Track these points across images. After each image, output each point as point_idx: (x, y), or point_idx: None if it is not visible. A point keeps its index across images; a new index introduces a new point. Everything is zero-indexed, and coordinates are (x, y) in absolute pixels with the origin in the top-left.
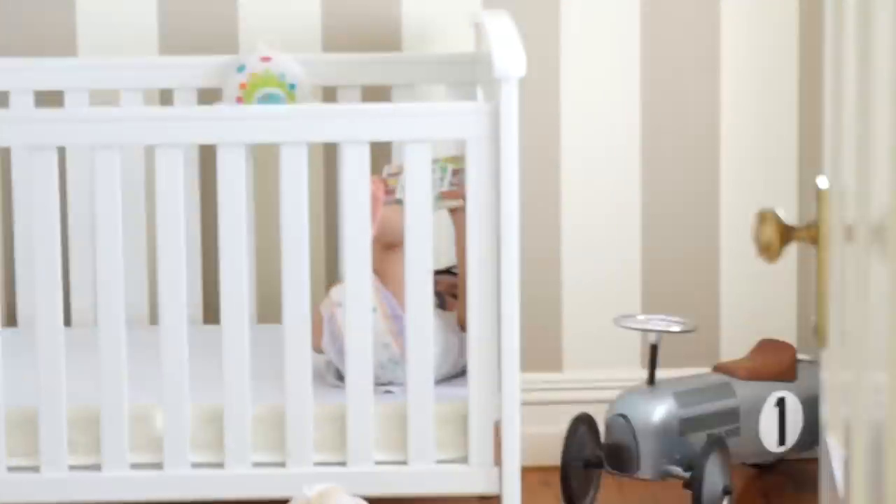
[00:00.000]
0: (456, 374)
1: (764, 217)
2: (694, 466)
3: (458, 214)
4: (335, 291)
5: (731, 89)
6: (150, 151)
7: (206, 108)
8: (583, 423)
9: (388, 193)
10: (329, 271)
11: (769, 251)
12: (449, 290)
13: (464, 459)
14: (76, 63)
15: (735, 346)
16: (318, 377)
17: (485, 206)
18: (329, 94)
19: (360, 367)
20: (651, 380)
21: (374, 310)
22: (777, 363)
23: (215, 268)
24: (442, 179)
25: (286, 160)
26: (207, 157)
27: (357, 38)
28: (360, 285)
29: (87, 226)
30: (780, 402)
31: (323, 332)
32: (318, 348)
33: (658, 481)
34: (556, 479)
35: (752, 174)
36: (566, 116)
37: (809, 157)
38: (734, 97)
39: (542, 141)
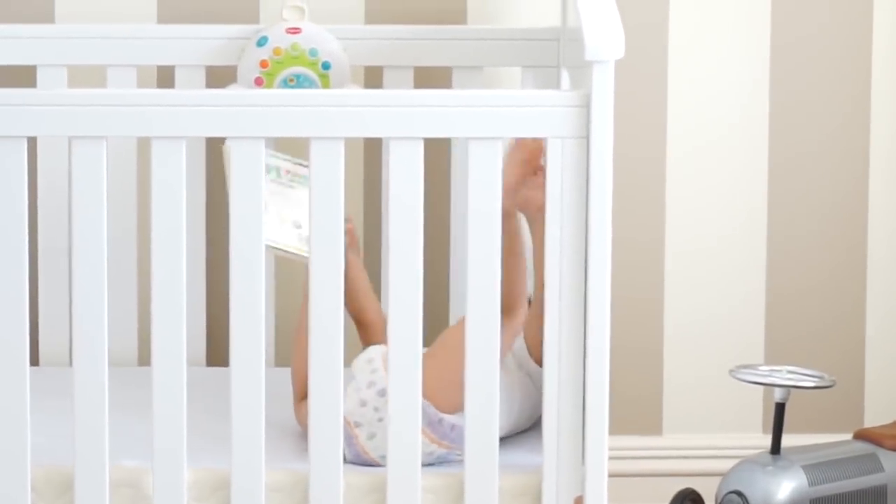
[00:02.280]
0: (524, 427)
1: None
2: None
3: (537, 221)
4: (352, 397)
5: (886, 78)
6: (144, 143)
7: (216, 93)
8: (687, 502)
9: None
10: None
11: None
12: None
13: None
14: (52, 31)
15: (883, 408)
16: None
17: (569, 223)
18: (373, 77)
19: (402, 426)
20: (775, 448)
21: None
22: None
23: (224, 294)
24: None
25: (317, 159)
26: (218, 149)
27: (409, 7)
28: (409, 351)
29: (60, 236)
30: None
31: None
32: None
33: None
34: None
35: None
36: (674, 111)
37: None
38: (890, 90)
39: (644, 142)
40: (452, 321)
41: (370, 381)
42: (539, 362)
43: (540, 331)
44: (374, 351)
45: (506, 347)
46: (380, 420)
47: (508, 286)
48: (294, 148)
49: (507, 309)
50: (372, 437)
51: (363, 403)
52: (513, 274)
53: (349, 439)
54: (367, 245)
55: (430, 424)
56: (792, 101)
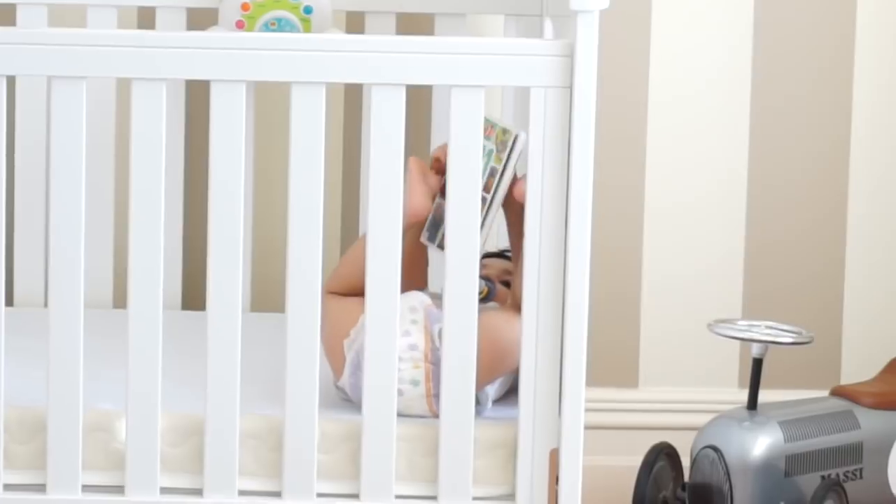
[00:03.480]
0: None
1: None
2: None
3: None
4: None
5: (868, 29)
6: (123, 84)
7: (197, 35)
8: (662, 456)
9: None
10: (345, 248)
11: None
12: (501, 275)
13: (510, 497)
14: None
15: (860, 365)
16: (327, 385)
17: (550, 175)
18: (355, 23)
19: (380, 372)
20: (752, 404)
21: (416, 383)
22: None
23: (202, 238)
24: (500, 157)
25: (298, 104)
26: (197, 93)
27: None
28: (387, 278)
29: (38, 178)
30: None
31: (344, 368)
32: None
33: None
34: None
35: (891, 146)
36: (657, 61)
37: None
38: (872, 40)
39: (626, 93)
40: (431, 264)
41: (405, 330)
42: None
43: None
44: (416, 299)
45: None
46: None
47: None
48: (275, 92)
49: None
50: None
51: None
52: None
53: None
54: (345, 191)
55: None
56: (775, 51)
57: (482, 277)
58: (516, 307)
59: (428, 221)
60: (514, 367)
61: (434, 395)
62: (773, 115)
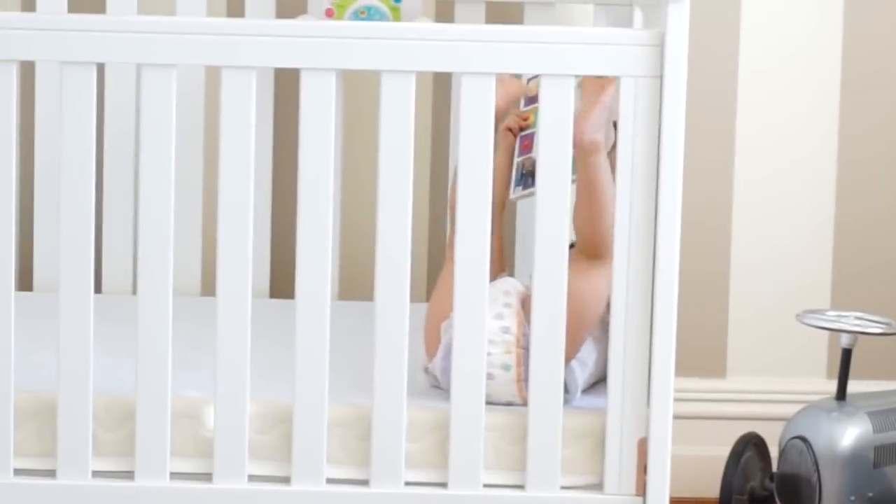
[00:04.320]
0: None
1: None
2: None
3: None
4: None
5: None
6: (213, 72)
7: (286, 23)
8: (750, 446)
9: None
10: (433, 237)
11: None
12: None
13: (598, 486)
14: None
15: None
16: (414, 372)
17: (640, 165)
18: (444, 11)
19: (470, 361)
20: (841, 394)
21: (507, 367)
22: None
23: (290, 226)
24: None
25: (388, 92)
26: (286, 82)
27: None
28: (476, 261)
29: (127, 166)
30: None
31: (437, 351)
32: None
33: None
34: None
35: None
36: (747, 50)
37: None
38: None
39: (717, 83)
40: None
41: (498, 313)
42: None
43: (584, 220)
44: (510, 283)
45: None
46: (488, 354)
47: (589, 227)
48: (364, 81)
49: (593, 253)
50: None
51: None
52: (592, 215)
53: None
54: (433, 179)
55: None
56: (864, 33)
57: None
58: (587, 254)
59: (514, 177)
60: (598, 316)
61: (524, 381)
62: (862, 99)
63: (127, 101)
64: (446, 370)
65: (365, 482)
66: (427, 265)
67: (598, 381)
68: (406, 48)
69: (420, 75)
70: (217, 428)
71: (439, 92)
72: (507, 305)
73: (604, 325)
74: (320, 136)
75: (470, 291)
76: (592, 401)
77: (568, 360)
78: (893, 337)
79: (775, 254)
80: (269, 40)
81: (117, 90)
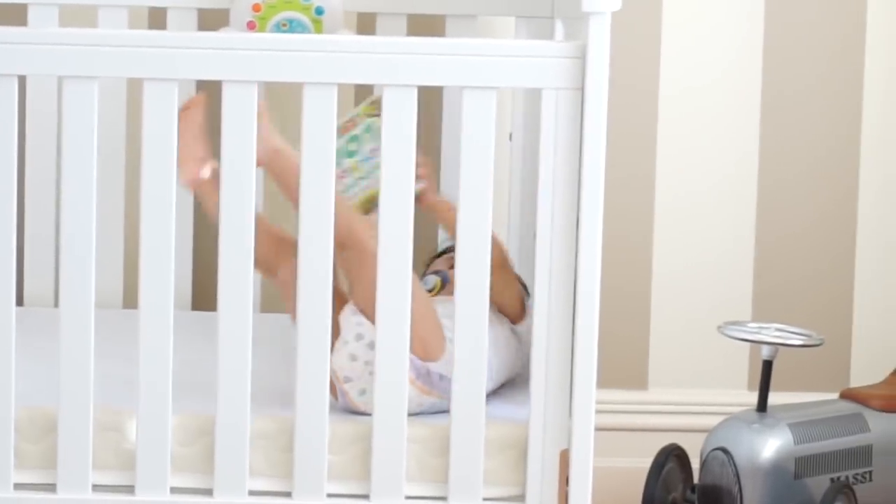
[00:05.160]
0: (506, 380)
1: None
2: None
3: (427, 199)
4: (341, 352)
5: (881, 16)
6: (135, 84)
7: (209, 35)
8: (671, 458)
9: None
10: None
11: None
12: (452, 265)
13: (520, 498)
14: None
15: (870, 367)
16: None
17: (561, 177)
18: (366, 23)
19: (390, 376)
20: (762, 406)
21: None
22: None
23: (212, 238)
24: (359, 143)
25: (310, 104)
26: (209, 93)
27: None
28: (399, 272)
29: (48, 178)
30: None
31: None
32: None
33: None
34: None
35: None
36: (668, 63)
37: None
38: (883, 30)
39: (636, 93)
40: None
41: (358, 334)
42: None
43: (499, 294)
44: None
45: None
46: (370, 374)
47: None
48: (284, 93)
49: (341, 245)
50: (363, 393)
51: (353, 358)
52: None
53: (341, 395)
54: None
55: (420, 376)
56: (784, 49)
57: (434, 273)
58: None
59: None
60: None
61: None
62: (782, 115)
63: (48, 112)
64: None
65: (287, 494)
66: None
67: (514, 383)
68: (328, 60)
69: (342, 87)
70: (139, 440)
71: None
72: (360, 324)
73: (512, 329)
74: (242, 147)
75: (391, 303)
76: (513, 410)
77: (434, 357)
78: (814, 348)
79: (697, 266)
80: (190, 52)
81: (39, 102)
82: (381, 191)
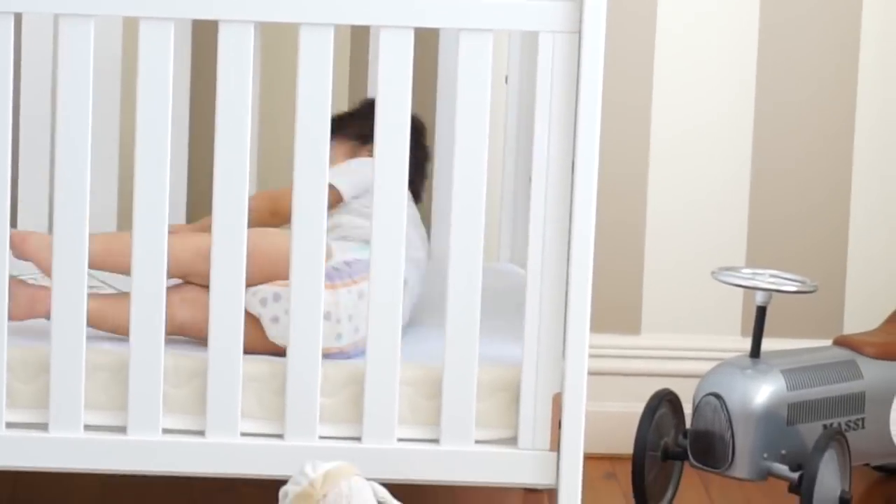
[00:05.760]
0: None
1: None
2: (804, 465)
3: None
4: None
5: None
6: (130, 23)
7: None
8: (664, 403)
9: None
10: None
11: None
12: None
13: (511, 441)
14: None
15: (863, 314)
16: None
17: (558, 120)
18: None
19: (382, 318)
20: (755, 352)
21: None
22: None
23: (207, 178)
24: None
25: (306, 45)
26: (204, 34)
27: None
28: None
29: (43, 113)
30: None
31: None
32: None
33: (756, 482)
34: (626, 472)
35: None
36: (665, 7)
37: None
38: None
39: (634, 40)
40: (436, 211)
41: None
42: None
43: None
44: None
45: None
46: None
47: None
48: (282, 32)
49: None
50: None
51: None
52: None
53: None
54: None
55: (330, 277)
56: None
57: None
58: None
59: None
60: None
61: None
62: (782, 65)
63: (44, 52)
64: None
65: (280, 436)
66: None
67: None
68: (325, 1)
69: (338, 29)
70: (131, 381)
71: (357, 46)
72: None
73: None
74: (238, 89)
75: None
76: (506, 351)
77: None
78: (808, 295)
79: (691, 211)
80: None
81: (34, 41)
82: (377, 131)
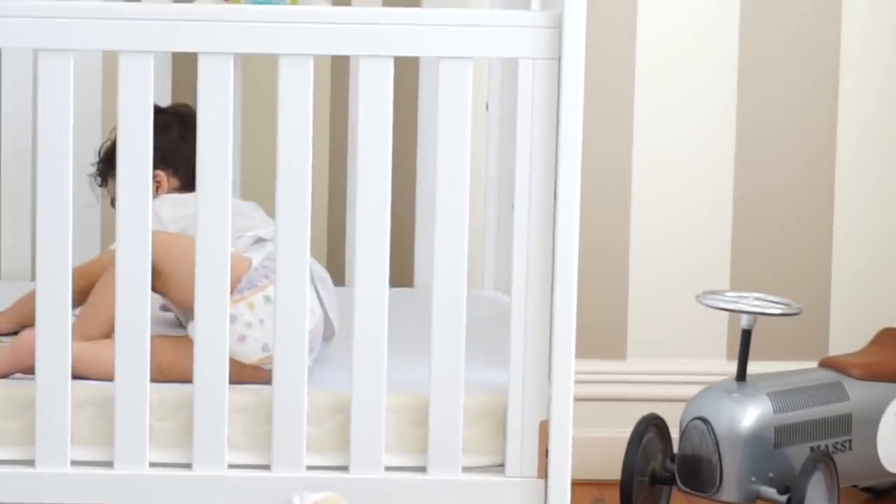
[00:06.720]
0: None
1: None
2: (792, 488)
3: None
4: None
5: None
6: (110, 56)
7: (184, 7)
8: (651, 428)
9: None
10: (332, 213)
11: None
12: None
13: (499, 468)
14: None
15: (848, 336)
16: (319, 352)
17: (539, 147)
18: None
19: (368, 344)
20: (741, 375)
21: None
22: None
23: None
24: None
25: (286, 76)
26: (184, 65)
27: None
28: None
29: (23, 146)
30: None
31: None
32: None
33: None
34: (614, 498)
35: (878, 123)
36: (644, 32)
37: None
38: (862, 18)
39: (614, 65)
40: (419, 238)
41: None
42: None
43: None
44: None
45: None
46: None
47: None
48: (263, 64)
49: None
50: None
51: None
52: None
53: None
54: (333, 165)
55: (241, 290)
56: (761, 9)
57: None
58: None
59: None
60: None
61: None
62: (763, 89)
63: (24, 85)
64: None
65: (267, 467)
66: (326, 247)
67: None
68: (304, 32)
69: (318, 59)
70: (118, 415)
71: (338, 74)
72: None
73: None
74: (219, 119)
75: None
76: (493, 378)
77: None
78: (793, 317)
79: (674, 236)
80: (166, 24)
81: (15, 75)
82: (358, 159)
